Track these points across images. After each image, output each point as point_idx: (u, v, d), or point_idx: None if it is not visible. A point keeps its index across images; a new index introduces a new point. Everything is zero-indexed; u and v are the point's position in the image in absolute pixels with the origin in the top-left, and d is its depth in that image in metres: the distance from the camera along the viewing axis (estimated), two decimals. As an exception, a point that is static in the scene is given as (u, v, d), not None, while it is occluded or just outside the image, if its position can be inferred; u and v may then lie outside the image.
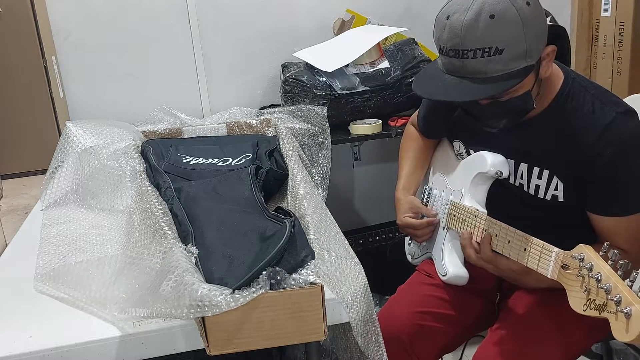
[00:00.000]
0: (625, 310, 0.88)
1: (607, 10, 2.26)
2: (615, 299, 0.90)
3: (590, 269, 0.97)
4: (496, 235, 1.24)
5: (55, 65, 2.00)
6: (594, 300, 0.95)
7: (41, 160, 1.76)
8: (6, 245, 1.38)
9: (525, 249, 1.16)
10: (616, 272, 0.94)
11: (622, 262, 0.94)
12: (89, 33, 2.09)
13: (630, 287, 0.90)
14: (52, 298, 1.09)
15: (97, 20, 2.09)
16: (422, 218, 1.50)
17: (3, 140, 1.87)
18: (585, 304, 0.96)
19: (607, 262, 0.96)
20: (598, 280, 0.94)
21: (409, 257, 1.62)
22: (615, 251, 0.96)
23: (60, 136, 1.60)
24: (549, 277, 1.09)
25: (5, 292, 1.15)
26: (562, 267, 1.05)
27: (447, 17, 1.15)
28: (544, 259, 1.11)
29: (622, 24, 2.21)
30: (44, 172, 1.56)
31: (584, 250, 1.00)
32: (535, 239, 1.14)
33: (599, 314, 0.93)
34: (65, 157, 1.51)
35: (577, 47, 2.37)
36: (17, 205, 1.66)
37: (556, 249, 1.09)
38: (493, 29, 1.11)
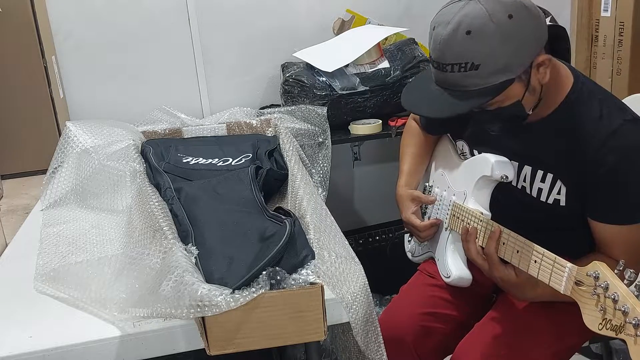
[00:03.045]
0: None
1: (607, 10, 2.26)
2: (633, 322, 0.88)
3: (606, 288, 0.94)
4: (504, 244, 1.21)
5: (55, 65, 2.00)
6: (610, 320, 0.93)
7: (41, 160, 1.76)
8: (6, 245, 1.38)
9: (535, 261, 1.13)
10: (633, 293, 0.92)
11: (639, 283, 0.92)
12: (89, 33, 2.09)
13: None
14: (52, 298, 1.09)
15: (97, 20, 2.09)
16: (424, 211, 1.51)
17: (3, 140, 1.87)
18: (601, 324, 0.95)
19: (622, 281, 0.94)
20: (615, 301, 0.92)
21: (409, 255, 1.62)
22: (632, 271, 0.94)
23: (60, 136, 1.60)
24: (562, 292, 1.06)
25: (5, 292, 1.15)
26: (576, 283, 1.03)
27: (434, 28, 1.16)
28: (556, 273, 1.08)
29: (622, 24, 2.21)
30: (44, 172, 1.56)
31: (599, 267, 0.98)
32: (546, 252, 1.11)
33: (616, 334, 0.92)
34: (65, 157, 1.51)
35: (577, 47, 2.37)
36: (17, 205, 1.66)
37: (569, 264, 1.06)
38: (469, 45, 1.11)
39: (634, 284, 0.93)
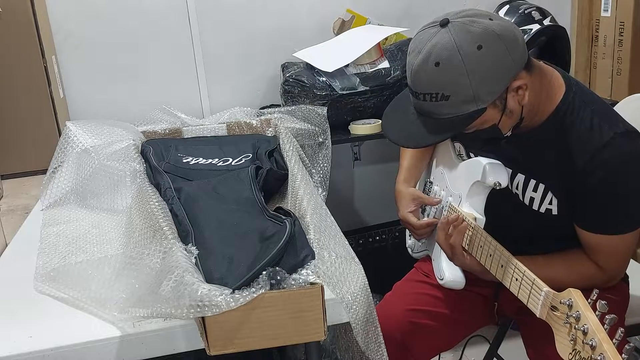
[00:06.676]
0: None
1: (607, 10, 2.26)
2: (599, 358, 0.87)
3: (578, 319, 0.94)
4: (490, 255, 1.22)
5: (55, 65, 2.00)
6: (580, 352, 0.92)
7: (41, 160, 1.76)
8: (6, 245, 1.38)
9: (517, 279, 1.13)
10: (603, 326, 0.91)
11: (609, 317, 0.91)
12: (89, 33, 2.09)
13: (615, 345, 0.88)
14: (52, 298, 1.09)
15: (98, 20, 2.09)
16: (423, 210, 1.50)
17: (3, 140, 1.87)
18: (570, 353, 0.95)
19: (594, 312, 0.93)
20: (584, 333, 0.92)
21: (409, 250, 1.62)
22: (604, 302, 0.93)
23: (60, 136, 1.60)
24: (537, 315, 1.06)
25: (5, 292, 1.15)
26: (551, 308, 1.03)
27: (409, 54, 1.18)
28: (534, 295, 1.08)
29: (622, 24, 2.21)
30: (44, 172, 1.56)
31: (573, 296, 0.97)
32: (527, 271, 1.11)
33: None
34: (65, 157, 1.51)
35: (577, 47, 2.37)
36: (17, 205, 1.66)
37: (546, 288, 1.05)
38: (437, 77, 1.12)
39: (606, 317, 0.92)
